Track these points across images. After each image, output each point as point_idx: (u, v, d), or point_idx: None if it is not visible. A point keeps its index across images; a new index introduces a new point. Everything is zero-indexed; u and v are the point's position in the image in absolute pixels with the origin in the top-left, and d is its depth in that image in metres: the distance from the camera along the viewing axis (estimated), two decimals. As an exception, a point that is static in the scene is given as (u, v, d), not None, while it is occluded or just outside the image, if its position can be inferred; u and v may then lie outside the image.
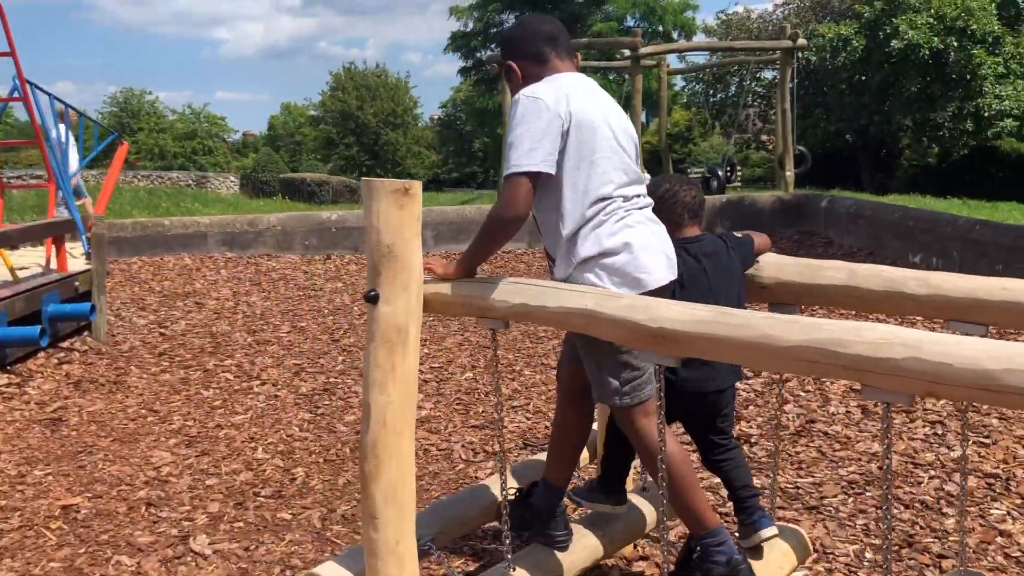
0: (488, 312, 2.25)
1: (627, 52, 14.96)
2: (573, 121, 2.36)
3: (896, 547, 3.25)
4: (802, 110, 18.94)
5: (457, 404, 5.10)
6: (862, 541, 3.31)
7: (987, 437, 4.28)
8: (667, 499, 2.35)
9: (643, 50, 14.61)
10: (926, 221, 9.03)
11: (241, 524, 3.63)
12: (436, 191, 43.92)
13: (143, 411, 5.07)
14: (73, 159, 8.82)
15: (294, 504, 3.82)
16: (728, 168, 17.17)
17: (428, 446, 4.44)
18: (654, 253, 2.42)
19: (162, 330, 7.05)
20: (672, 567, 2.56)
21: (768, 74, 22.08)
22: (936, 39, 17.79)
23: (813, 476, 3.92)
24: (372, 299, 2.25)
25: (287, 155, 38.16)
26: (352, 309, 7.90)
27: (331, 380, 5.60)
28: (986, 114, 18.47)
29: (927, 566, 3.12)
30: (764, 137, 24.04)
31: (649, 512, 3.02)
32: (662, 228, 2.53)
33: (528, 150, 2.31)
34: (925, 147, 21.65)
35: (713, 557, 2.43)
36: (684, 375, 2.59)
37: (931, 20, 18.03)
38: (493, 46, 31.04)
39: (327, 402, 5.18)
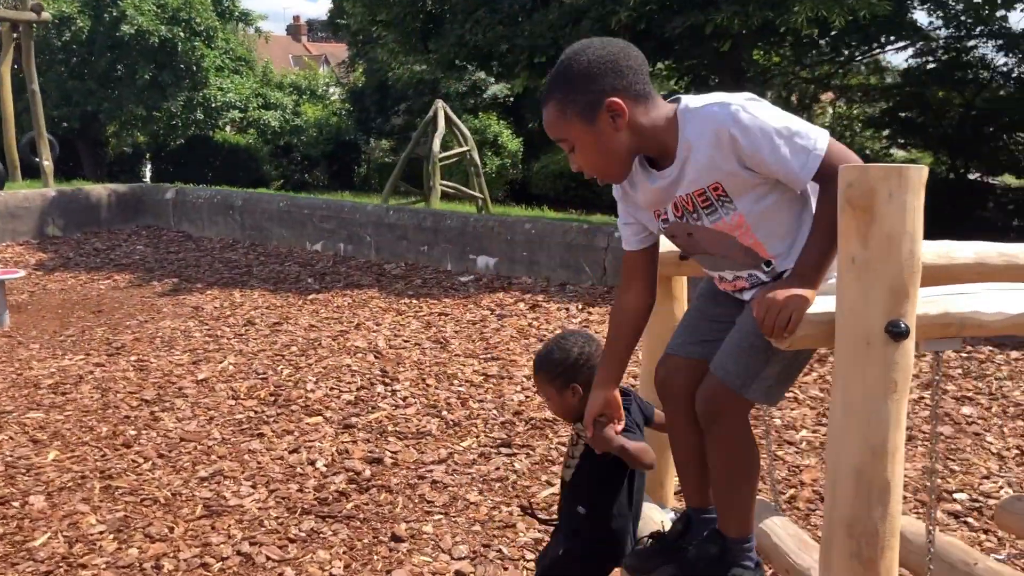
0: (975, 329, 1.82)
1: None
2: None
3: None
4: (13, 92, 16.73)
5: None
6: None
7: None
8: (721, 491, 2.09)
9: None
10: (324, 208, 9.18)
11: None
12: None
13: None
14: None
15: None
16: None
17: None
18: None
19: None
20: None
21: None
22: (164, 28, 17.59)
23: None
24: (902, 334, 1.62)
25: None
26: None
27: None
28: (214, 105, 19.09)
29: None
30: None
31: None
32: None
33: (803, 121, 1.84)
34: (128, 135, 21.35)
35: (745, 561, 2.16)
36: None
37: (156, 8, 17.74)
38: None
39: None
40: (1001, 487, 3.67)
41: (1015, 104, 15.31)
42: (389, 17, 11.70)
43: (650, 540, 2.20)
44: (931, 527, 2.02)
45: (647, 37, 9.74)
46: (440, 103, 15.65)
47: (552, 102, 1.87)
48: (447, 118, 15.60)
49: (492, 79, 18.84)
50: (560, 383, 2.20)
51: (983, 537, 3.34)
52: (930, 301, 1.81)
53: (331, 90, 25.65)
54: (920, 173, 1.61)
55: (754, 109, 1.79)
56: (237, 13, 20.13)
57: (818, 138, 1.80)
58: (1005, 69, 15.38)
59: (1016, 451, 4.04)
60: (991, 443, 4.13)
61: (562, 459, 3.96)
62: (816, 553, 2.48)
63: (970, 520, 3.45)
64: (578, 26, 9.82)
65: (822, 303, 1.77)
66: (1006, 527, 3.06)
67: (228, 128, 22.07)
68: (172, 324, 6.41)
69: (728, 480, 2.01)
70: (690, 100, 1.87)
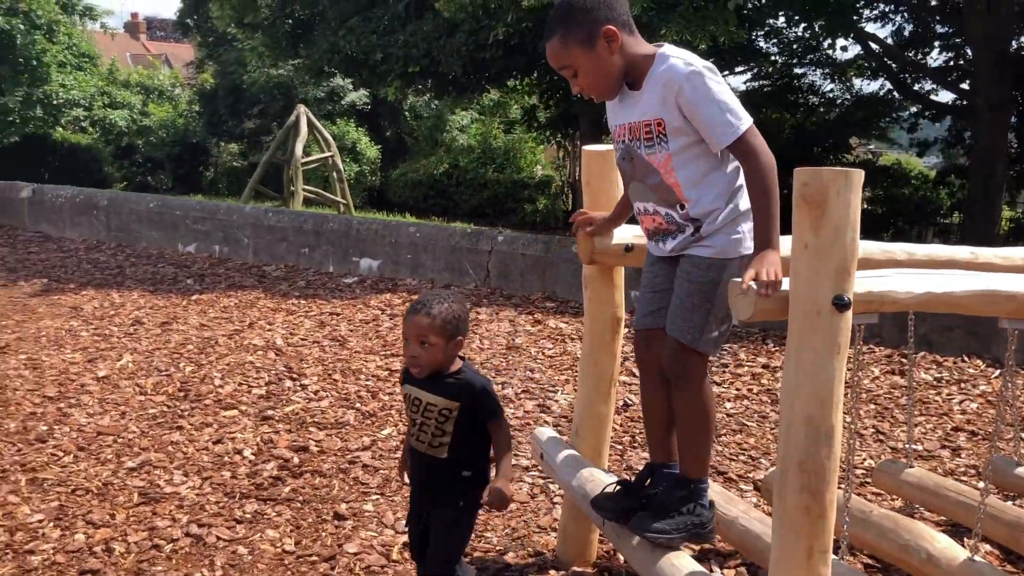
0: (891, 305, 2.22)
1: None
2: None
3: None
4: None
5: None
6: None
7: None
8: (687, 439, 2.41)
9: None
10: (198, 210, 9.05)
11: None
12: None
13: None
14: None
15: None
16: None
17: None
18: None
19: None
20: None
21: None
22: (1, 19, 16.65)
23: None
24: (846, 306, 2.00)
25: None
26: None
27: None
28: (56, 102, 18.19)
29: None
30: None
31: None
32: None
33: (740, 105, 2.29)
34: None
35: (703, 501, 2.51)
36: None
37: (-6, -2, 16.80)
38: None
39: None
40: (864, 460, 4.20)
41: (838, 128, 16.72)
42: (257, 20, 11.62)
43: (617, 487, 2.51)
44: (848, 489, 2.43)
45: (519, 52, 10.14)
46: (303, 108, 15.56)
47: (556, 36, 2.28)
48: (309, 123, 15.53)
49: (351, 86, 18.86)
50: (457, 330, 2.43)
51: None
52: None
53: (176, 91, 24.85)
54: (860, 176, 1.99)
55: (709, 77, 2.23)
56: (80, 7, 19.26)
57: (744, 121, 2.23)
58: (831, 96, 16.79)
59: (873, 430, 4.61)
60: (850, 423, 4.68)
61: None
62: (741, 506, 2.87)
63: (841, 487, 3.95)
64: (452, 38, 10.11)
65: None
66: (881, 485, 3.56)
67: (67, 127, 21.05)
68: (53, 324, 6.23)
69: (694, 429, 2.36)
70: (668, 48, 2.31)
